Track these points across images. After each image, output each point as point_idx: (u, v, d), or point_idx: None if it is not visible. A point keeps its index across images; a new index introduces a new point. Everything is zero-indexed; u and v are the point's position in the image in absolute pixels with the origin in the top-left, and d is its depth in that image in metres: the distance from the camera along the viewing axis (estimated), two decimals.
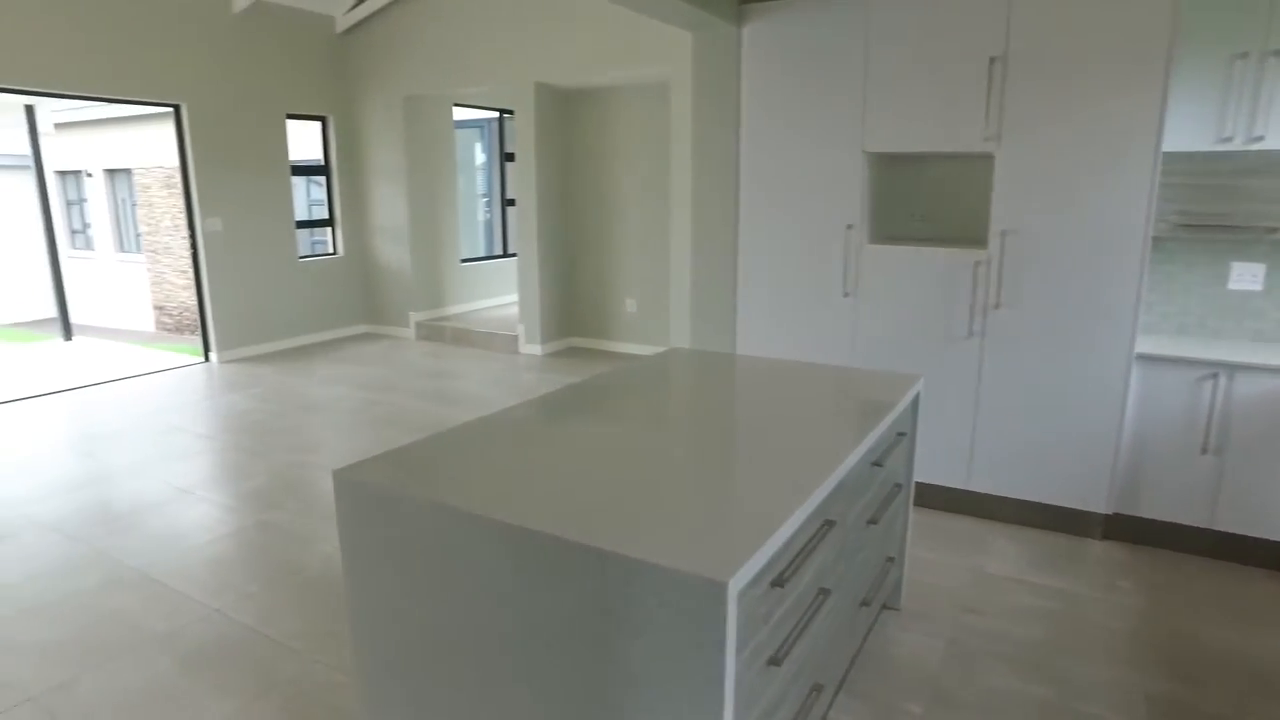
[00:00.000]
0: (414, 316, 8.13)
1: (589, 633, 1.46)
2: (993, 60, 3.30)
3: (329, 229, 8.25)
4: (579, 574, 1.45)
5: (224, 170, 7.04)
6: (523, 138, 6.97)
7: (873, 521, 2.18)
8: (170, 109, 6.79)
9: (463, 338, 7.83)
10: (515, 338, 7.44)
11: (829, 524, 1.80)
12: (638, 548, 1.41)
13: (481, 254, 9.63)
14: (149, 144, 12.07)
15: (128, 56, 6.32)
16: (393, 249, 8.13)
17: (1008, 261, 3.39)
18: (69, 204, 14.09)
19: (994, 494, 3.63)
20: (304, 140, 8.07)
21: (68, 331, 9.04)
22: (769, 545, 1.44)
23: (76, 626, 2.93)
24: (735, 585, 1.32)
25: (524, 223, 7.14)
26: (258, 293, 7.43)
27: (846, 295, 3.82)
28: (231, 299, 7.23)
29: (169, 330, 12.65)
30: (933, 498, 3.80)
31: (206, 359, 7.25)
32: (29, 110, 8.66)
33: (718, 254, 4.21)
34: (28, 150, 9.51)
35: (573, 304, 7.58)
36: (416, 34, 7.38)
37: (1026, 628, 2.84)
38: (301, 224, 8.03)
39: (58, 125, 12.52)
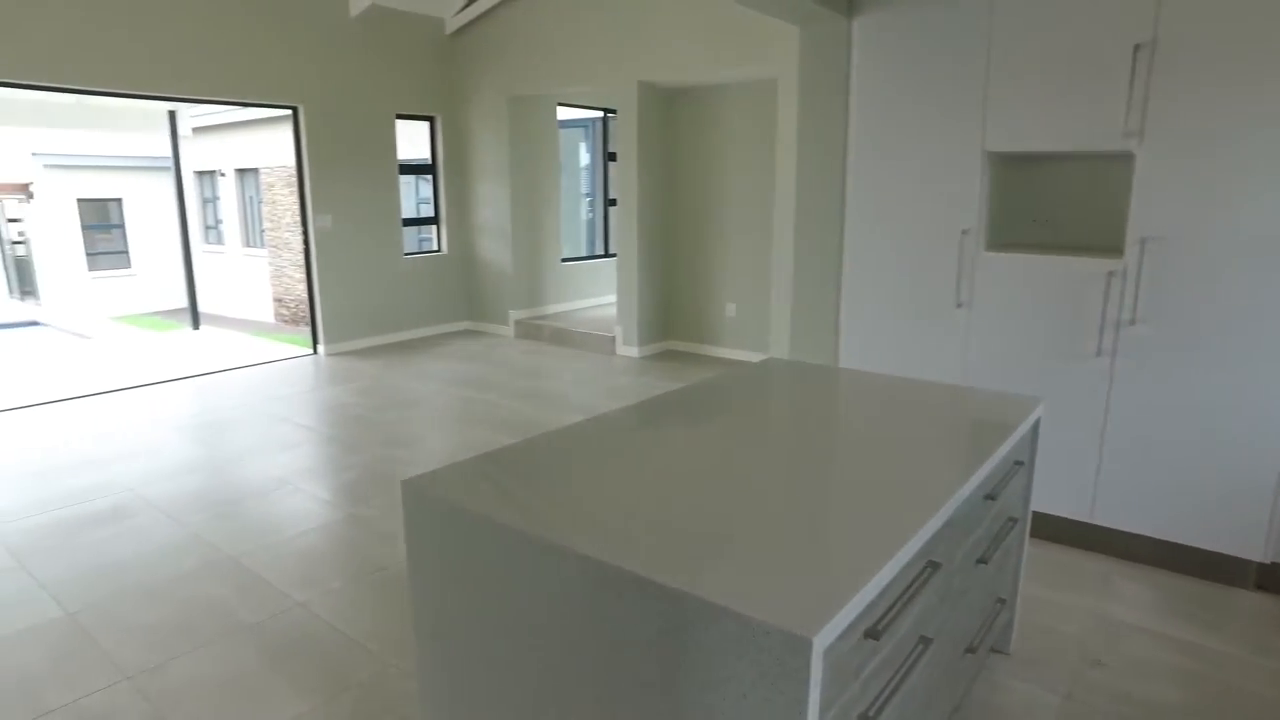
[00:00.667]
0: (513, 315, 8.19)
1: (658, 677, 1.32)
2: (1138, 48, 2.97)
3: (434, 227, 8.42)
4: (649, 613, 1.31)
5: (335, 169, 7.27)
6: (625, 137, 6.89)
7: (982, 561, 1.96)
8: (289, 111, 7.06)
9: (560, 337, 7.83)
10: (612, 339, 7.38)
11: (933, 566, 1.60)
12: (715, 589, 1.26)
13: (583, 254, 9.64)
14: (274, 145, 12.70)
15: (253, 63, 6.60)
16: (495, 247, 8.21)
17: (1147, 272, 3.05)
18: (204, 202, 15.02)
19: (1123, 529, 3.28)
20: (413, 140, 8.25)
21: (196, 321, 9.58)
22: (863, 594, 1.27)
23: (173, 610, 3.00)
24: (822, 641, 1.16)
25: (624, 223, 7.07)
26: (364, 288, 7.64)
27: (959, 306, 3.54)
28: (339, 294, 7.45)
29: (286, 321, 13.29)
30: (1050, 529, 3.48)
31: (315, 351, 7.50)
32: (171, 116, 9.23)
33: (820, 259, 4.00)
34: (169, 152, 10.12)
35: (671, 306, 7.46)
36: (522, 34, 7.42)
37: (1159, 688, 2.52)
38: (408, 221, 8.21)
39: (195, 129, 13.36)
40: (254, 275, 13.77)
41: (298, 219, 12.68)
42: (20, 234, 16.20)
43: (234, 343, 8.46)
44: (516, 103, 7.79)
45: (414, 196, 10.44)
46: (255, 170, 13.28)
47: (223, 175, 14.17)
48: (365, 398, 5.94)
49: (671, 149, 7.19)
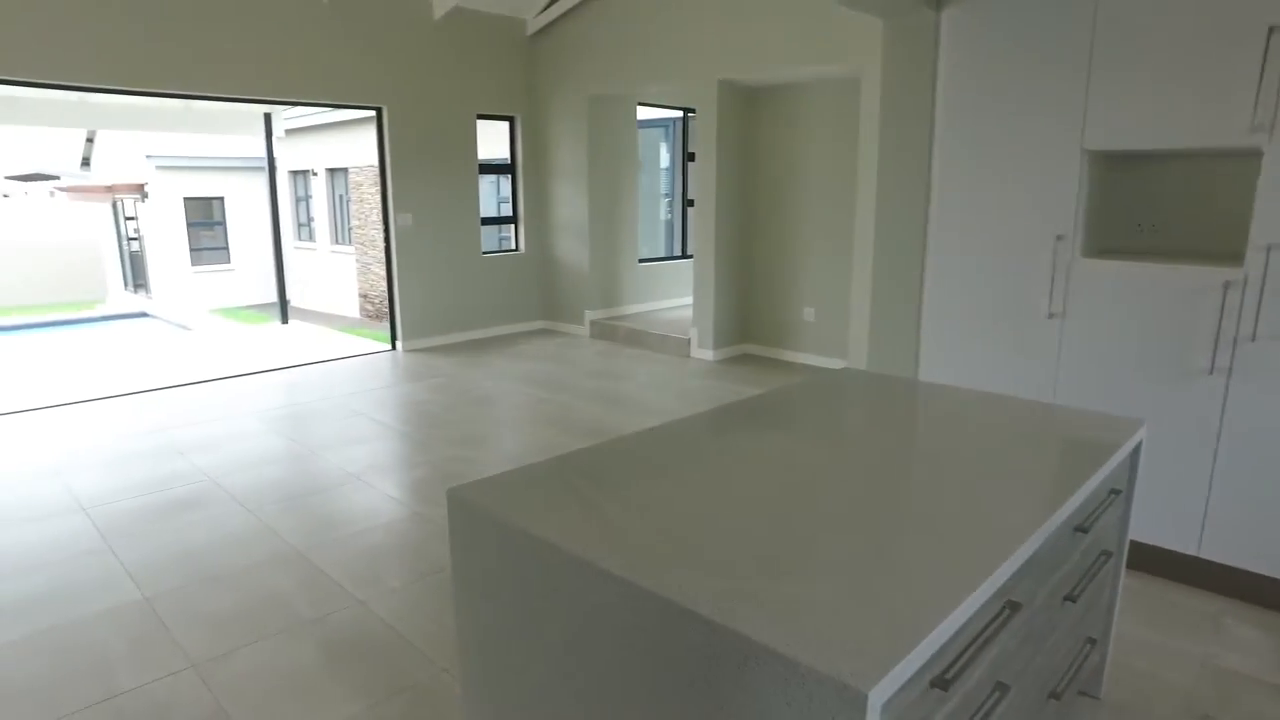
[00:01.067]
0: (589, 315, 8.17)
1: (698, 714, 1.22)
2: (1273, 30, 2.68)
3: (512, 226, 8.48)
4: (690, 645, 1.21)
5: (417, 169, 7.38)
6: (704, 137, 6.78)
7: (1070, 598, 1.78)
8: (374, 111, 7.21)
9: (635, 338, 7.77)
10: (687, 341, 7.27)
11: (1013, 606, 1.44)
12: (761, 625, 1.15)
13: (661, 254, 9.56)
14: (362, 146, 13.07)
15: (341, 66, 6.76)
16: (572, 247, 8.21)
17: (1273, 283, 2.76)
18: (297, 200, 15.59)
19: (1236, 566, 2.99)
20: (493, 139, 8.33)
21: (285, 316, 9.92)
22: (931, 641, 1.13)
23: (240, 600, 3.05)
24: (880, 695, 1.03)
25: (702, 224, 6.96)
26: (442, 286, 7.74)
27: (1051, 317, 3.30)
28: (418, 292, 7.57)
29: (370, 317, 13.66)
30: (1150, 562, 3.20)
31: (393, 347, 7.65)
32: (266, 118, 9.58)
33: (902, 263, 3.80)
34: (264, 153, 10.50)
35: (748, 309, 7.31)
36: (602, 34, 7.39)
37: None
38: (487, 220, 8.29)
39: (289, 131, 13.88)
40: (341, 271, 14.21)
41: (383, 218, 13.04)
42: (135, 231, 17.17)
43: (318, 337, 8.72)
44: (596, 102, 7.77)
45: (493, 196, 10.56)
46: (345, 170, 13.70)
47: (315, 174, 14.67)
48: (439, 395, 6.00)
49: (750, 149, 7.03)
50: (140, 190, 15.75)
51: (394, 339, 7.63)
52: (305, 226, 15.58)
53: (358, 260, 13.68)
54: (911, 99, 3.67)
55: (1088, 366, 3.23)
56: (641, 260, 8.71)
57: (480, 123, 7.86)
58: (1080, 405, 3.07)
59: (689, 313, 7.66)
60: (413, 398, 5.97)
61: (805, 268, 6.88)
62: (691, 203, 9.02)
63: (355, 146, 13.27)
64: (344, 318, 14.00)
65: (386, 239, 7.41)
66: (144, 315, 13.65)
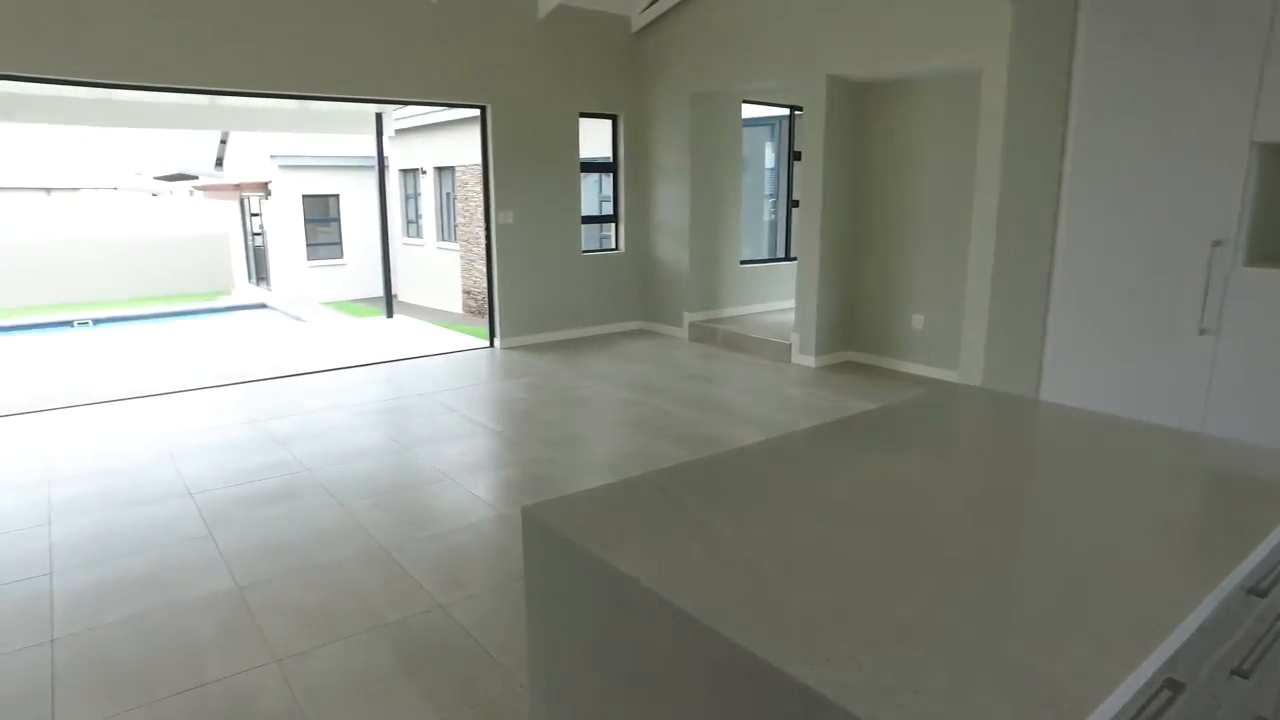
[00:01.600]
0: (688, 316, 8.02)
1: None
2: None
3: (613, 225, 8.41)
4: (780, 708, 1.04)
5: (519, 167, 7.40)
6: (810, 135, 6.51)
7: (1241, 674, 1.50)
8: (478, 110, 7.26)
9: (734, 342, 7.57)
10: (788, 347, 7.02)
11: (1174, 686, 1.20)
12: (865, 697, 0.97)
13: (763, 256, 9.31)
14: (469, 144, 13.33)
15: (446, 65, 6.83)
16: (672, 247, 8.08)
17: None
18: (407, 198, 16.06)
19: None
20: (594, 138, 8.28)
21: (390, 310, 10.18)
22: None
23: (325, 596, 3.04)
24: None
25: (806, 225, 6.69)
26: (541, 284, 7.74)
27: (1203, 333, 2.93)
28: (517, 289, 7.60)
29: (473, 313, 13.91)
30: None
31: (491, 344, 7.70)
32: (378, 118, 9.86)
33: (1026, 270, 3.48)
34: (374, 152, 10.79)
35: (853, 315, 6.99)
36: (708, 30, 7.22)
37: None
38: (587, 219, 8.26)
39: (398, 131, 14.30)
40: (447, 268, 14.54)
41: None
42: (259, 227, 18.11)
43: (419, 332, 8.89)
44: (700, 100, 7.60)
45: (594, 194, 10.55)
46: (452, 168, 14.01)
47: (424, 173, 15.07)
48: (533, 394, 5.97)
49: (859, 148, 6.71)
50: (264, 188, 16.57)
51: (492, 336, 7.69)
52: (413, 223, 16.03)
53: (462, 257, 13.96)
54: (1042, 91, 3.36)
55: (1248, 391, 2.86)
56: (743, 262, 8.50)
57: (582, 121, 7.82)
58: (1236, 436, 2.70)
59: (790, 317, 7.40)
60: (506, 396, 5.96)
61: (914, 273, 6.52)
62: (796, 203, 8.74)
63: (463, 145, 13.53)
64: (447, 313, 14.32)
65: (488, 237, 7.47)
66: (263, 306, 14.36)
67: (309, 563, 3.32)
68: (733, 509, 1.56)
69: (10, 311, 17.74)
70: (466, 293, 14.07)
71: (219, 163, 19.70)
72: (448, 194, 14.65)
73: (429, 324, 9.71)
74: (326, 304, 14.24)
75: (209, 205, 23.68)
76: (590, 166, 8.24)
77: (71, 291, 19.59)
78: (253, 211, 18.50)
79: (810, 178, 6.59)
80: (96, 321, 13.45)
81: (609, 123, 8.15)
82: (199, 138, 19.26)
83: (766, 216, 10.31)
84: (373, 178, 15.63)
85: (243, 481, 4.23)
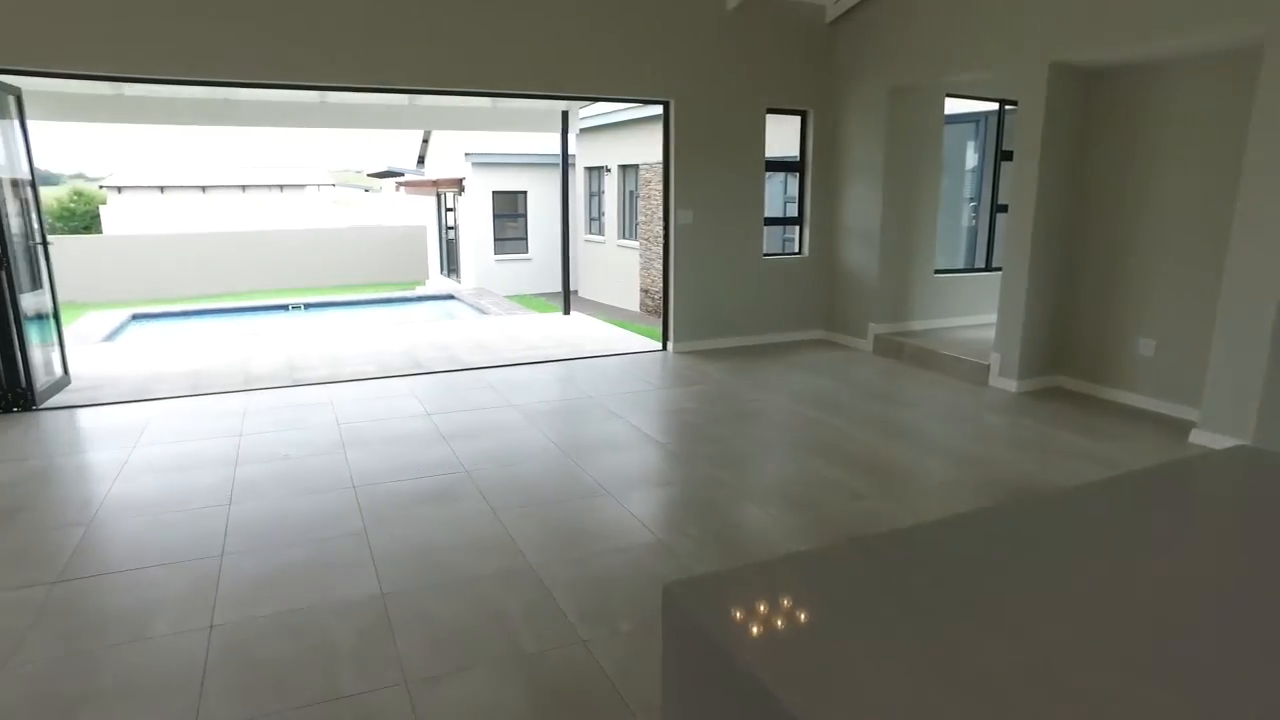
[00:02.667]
0: (873, 328, 7.41)
1: None
2: None
3: (797, 228, 7.94)
4: None
5: (701, 164, 7.11)
6: (1025, 131, 5.75)
7: None
8: (661, 105, 7.04)
9: (924, 358, 6.89)
10: (986, 367, 6.28)
11: None
12: None
13: (960, 266, 8.49)
14: (654, 142, 13.25)
15: (630, 60, 6.66)
16: (860, 253, 7.50)
17: None
18: (591, 195, 16.29)
19: None
20: (780, 135, 7.84)
21: (566, 307, 10.23)
22: None
23: (465, 614, 2.87)
24: None
25: (1015, 233, 5.93)
26: (719, 287, 7.42)
27: None
28: (694, 291, 7.32)
29: (650, 312, 13.84)
30: None
31: (664, 348, 7.46)
32: (563, 116, 9.92)
33: None
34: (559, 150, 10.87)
35: (1065, 335, 6.13)
36: (911, 16, 6.58)
37: None
38: (770, 220, 7.84)
39: (584, 130, 14.47)
40: (626, 266, 14.58)
41: None
42: (452, 221, 19.06)
43: (593, 331, 8.83)
44: (899, 95, 6.97)
45: (778, 195, 10.10)
46: (636, 166, 14.00)
47: (608, 171, 15.19)
48: (703, 404, 5.66)
49: (1085, 145, 5.85)
50: (458, 185, 17.38)
51: (665, 339, 7.46)
52: (596, 221, 16.22)
53: (641, 255, 13.93)
54: None
55: None
56: (938, 271, 7.75)
57: (769, 117, 7.41)
58: None
59: (989, 333, 6.63)
60: (676, 404, 5.69)
61: (1146, 289, 5.59)
62: (1003, 208, 7.87)
63: (647, 143, 13.48)
64: (625, 311, 14.35)
65: (666, 236, 7.24)
66: (450, 298, 15.03)
67: (454, 575, 3.17)
68: (939, 614, 1.15)
69: (242, 295, 19.76)
70: (644, 291, 14.02)
71: (420, 160, 20.97)
72: (630, 192, 14.68)
73: (603, 322, 9.66)
74: (509, 297, 14.69)
75: (410, 201, 25.34)
76: (775, 165, 7.82)
77: (292, 277, 21.55)
78: (447, 206, 19.51)
79: (1023, 179, 5.82)
80: (308, 306, 14.60)
81: (796, 119, 7.69)
82: (404, 137, 20.59)
83: (965, 222, 9.42)
84: (559, 176, 16.01)
85: (405, 477, 4.21)
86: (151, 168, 28.39)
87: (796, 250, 7.95)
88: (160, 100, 8.34)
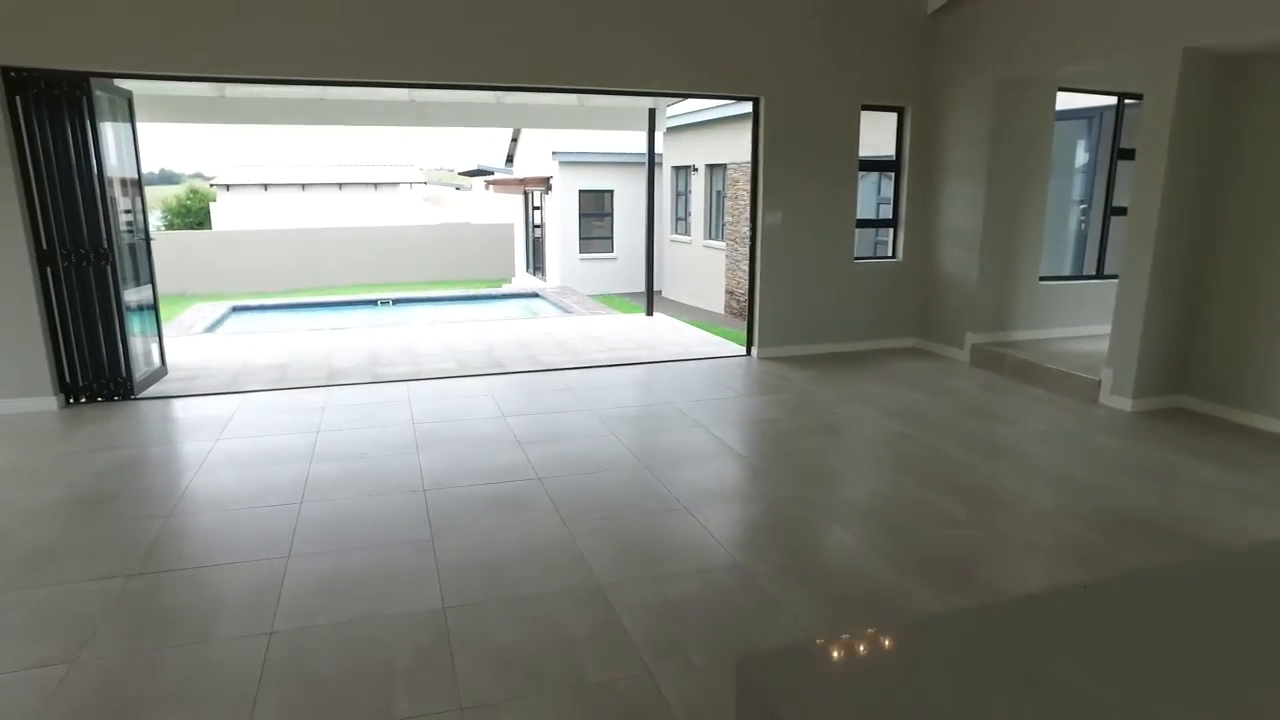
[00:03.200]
0: (970, 338, 6.98)
1: None
2: None
3: (890, 230, 7.56)
4: None
5: (791, 163, 6.83)
6: (1152, 126, 5.25)
7: None
8: (750, 102, 6.79)
9: (1026, 372, 6.43)
10: (1096, 384, 5.79)
11: None
12: None
13: (1067, 272, 7.93)
14: (742, 141, 12.96)
15: (720, 55, 6.44)
16: (959, 257, 7.07)
17: None
18: (677, 195, 16.11)
19: None
20: (872, 133, 7.48)
21: (650, 308, 10.07)
22: None
23: (529, 637, 2.72)
24: None
25: (1135, 237, 5.44)
26: (808, 292, 7.12)
27: None
28: (781, 295, 7.04)
29: (734, 314, 13.57)
30: None
31: (748, 353, 7.21)
32: (651, 114, 9.75)
33: None
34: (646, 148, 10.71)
35: (1190, 350, 5.59)
36: (1021, 5, 6.13)
37: None
38: (863, 223, 7.49)
39: (670, 129, 14.29)
40: (712, 266, 14.34)
41: None
42: (539, 220, 19.20)
43: (676, 333, 8.64)
44: (1006, 89, 6.52)
45: (875, 196, 9.68)
46: (723, 165, 13.74)
47: (695, 170, 14.97)
48: (789, 415, 5.39)
49: (1222, 140, 5.30)
50: (545, 184, 17.47)
51: (750, 344, 7.20)
52: (682, 220, 16.03)
53: (727, 256, 13.67)
54: None
55: None
56: (1043, 278, 7.24)
57: (864, 114, 7.06)
58: None
59: (1100, 346, 6.12)
60: (760, 414, 5.44)
61: None
62: (1120, 210, 7.30)
63: (735, 142, 13.21)
64: (709, 312, 14.11)
65: (753, 237, 6.98)
66: (535, 295, 15.07)
67: (519, 591, 3.03)
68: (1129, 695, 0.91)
69: (336, 289, 20.38)
70: (729, 293, 13.76)
71: (509, 159, 21.21)
72: (718, 191, 14.43)
73: (686, 324, 9.46)
74: (593, 296, 14.65)
75: (498, 199, 25.69)
76: (868, 165, 7.46)
77: (383, 272, 22.12)
78: (534, 205, 19.66)
79: (1146, 180, 5.33)
80: (395, 302, 14.90)
81: (891, 117, 7.31)
82: (494, 137, 20.86)
83: (1073, 225, 8.80)
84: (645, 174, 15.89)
85: (475, 482, 4.11)
86: (256, 167, 29.70)
87: (890, 254, 7.56)
88: (259, 100, 8.57)
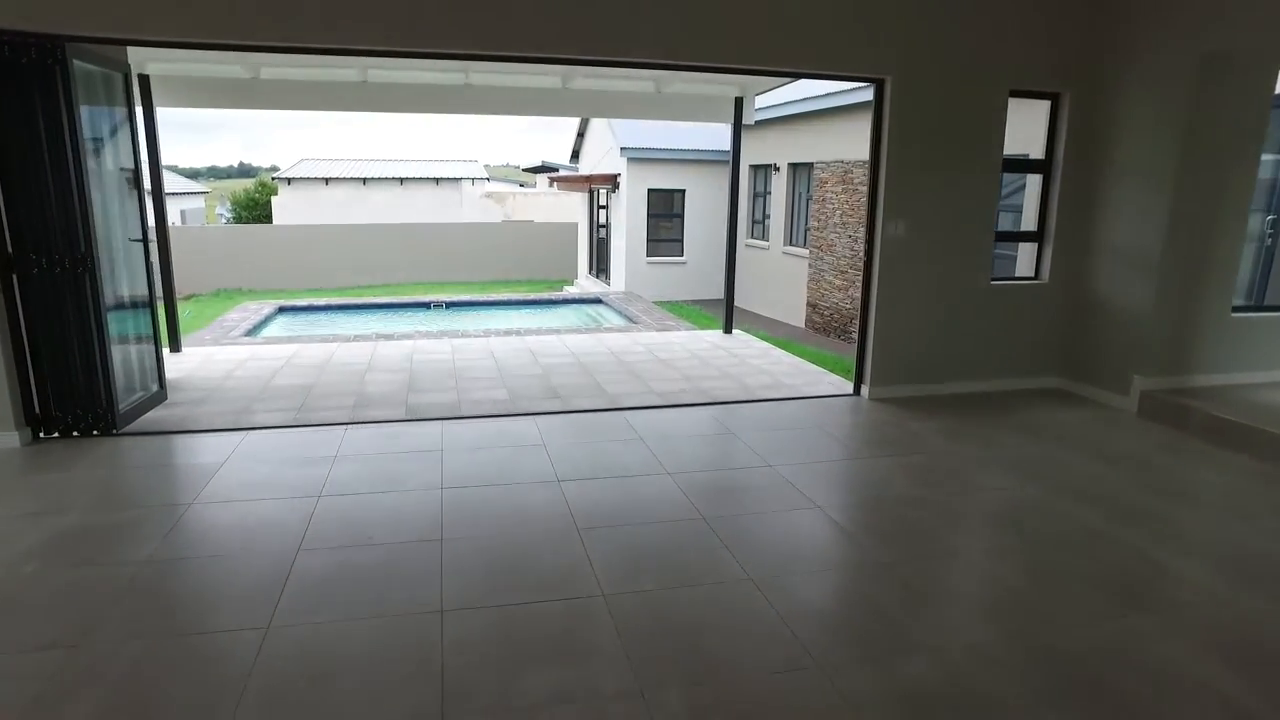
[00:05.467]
0: (1139, 382, 5.55)
1: None
2: None
3: (1034, 246, 6.15)
4: None
5: (919, 162, 5.51)
6: None
7: None
8: (871, 85, 5.49)
9: (1223, 432, 4.99)
10: None
11: None
12: None
13: (1271, 302, 6.38)
14: (832, 138, 11.59)
15: (834, 24, 5.16)
16: (1125, 279, 5.65)
17: None
18: (755, 196, 14.78)
19: None
20: (1012, 127, 6.09)
21: (728, 324, 8.83)
22: None
23: None
24: None
25: None
26: (931, 319, 5.79)
27: None
28: (899, 322, 5.72)
29: (817, 329, 12.22)
30: None
31: (857, 392, 5.91)
32: (738, 102, 8.48)
33: None
34: (729, 145, 9.43)
35: None
36: None
37: None
38: (1001, 236, 6.12)
39: (758, 121, 12.99)
40: (792, 275, 13.00)
41: (848, 219, 11.39)
42: (605, 219, 18.07)
43: (763, 358, 7.38)
44: (1212, 63, 5.08)
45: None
46: (809, 165, 12.38)
47: (776, 169, 13.64)
48: (924, 489, 4.10)
49: None
50: (612, 181, 16.33)
51: (859, 379, 5.90)
52: (760, 224, 14.71)
53: (811, 266, 12.32)
54: None
55: None
56: (1237, 309, 5.76)
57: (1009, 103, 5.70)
58: None
59: None
60: (882, 485, 4.16)
61: None
62: None
63: (825, 139, 11.85)
64: (788, 326, 12.78)
65: (869, 251, 5.68)
66: (598, 302, 13.92)
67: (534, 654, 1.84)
68: None
69: (393, 288, 19.64)
70: (811, 306, 12.41)
71: (574, 155, 20.14)
72: (801, 194, 13.08)
73: (773, 345, 8.19)
74: (660, 303, 13.43)
75: (563, 198, 24.70)
76: (1011, 164, 6.08)
77: (441, 271, 21.33)
78: (599, 204, 18.55)
79: None
80: (449, 305, 13.93)
81: (1046, 105, 5.91)
82: (560, 132, 19.83)
83: (1260, 242, 7.22)
84: (721, 173, 14.60)
85: (514, 599, 2.94)
86: (317, 160, 29.31)
87: (1032, 275, 6.17)
88: (296, 85, 7.60)
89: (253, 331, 10.59)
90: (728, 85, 8.23)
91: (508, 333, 8.77)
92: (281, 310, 13.18)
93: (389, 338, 8.51)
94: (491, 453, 4.51)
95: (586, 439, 4.80)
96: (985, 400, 5.82)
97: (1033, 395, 5.98)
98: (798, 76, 5.66)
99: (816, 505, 3.84)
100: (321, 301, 14.09)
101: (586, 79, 7.87)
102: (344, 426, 4.99)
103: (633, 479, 4.15)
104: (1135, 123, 5.49)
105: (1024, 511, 3.84)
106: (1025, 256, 6.29)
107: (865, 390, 5.81)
